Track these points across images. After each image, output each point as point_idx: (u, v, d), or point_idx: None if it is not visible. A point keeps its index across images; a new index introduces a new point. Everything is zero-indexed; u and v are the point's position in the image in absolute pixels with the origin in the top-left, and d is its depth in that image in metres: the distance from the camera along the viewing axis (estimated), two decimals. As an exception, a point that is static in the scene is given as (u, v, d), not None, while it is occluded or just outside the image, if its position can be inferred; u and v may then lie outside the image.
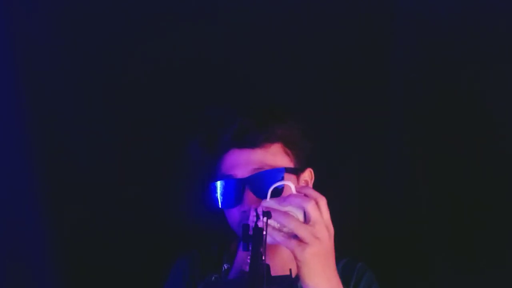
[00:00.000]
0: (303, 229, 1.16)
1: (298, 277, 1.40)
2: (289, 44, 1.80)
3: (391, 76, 1.81)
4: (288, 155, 1.42)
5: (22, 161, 1.77)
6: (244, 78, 1.80)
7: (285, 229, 1.19)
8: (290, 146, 1.42)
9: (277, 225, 1.19)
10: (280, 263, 1.39)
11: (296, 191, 1.23)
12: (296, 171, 1.42)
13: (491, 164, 1.77)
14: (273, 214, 1.18)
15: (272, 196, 1.23)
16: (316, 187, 1.36)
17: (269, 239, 1.20)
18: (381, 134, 1.82)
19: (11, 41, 1.75)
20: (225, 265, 1.47)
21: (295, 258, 1.18)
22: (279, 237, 1.18)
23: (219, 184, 1.40)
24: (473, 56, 1.76)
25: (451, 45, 1.78)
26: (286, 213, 1.18)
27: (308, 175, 1.47)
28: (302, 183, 1.44)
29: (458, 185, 1.78)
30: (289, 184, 1.25)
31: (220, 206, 1.41)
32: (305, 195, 1.21)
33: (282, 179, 1.36)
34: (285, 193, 1.28)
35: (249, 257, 1.12)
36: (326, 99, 1.81)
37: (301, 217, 1.19)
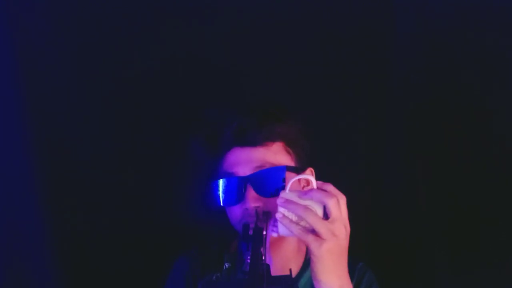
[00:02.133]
0: (322, 225, 1.16)
1: (298, 277, 1.41)
2: (289, 44, 1.80)
3: (391, 76, 1.81)
4: (289, 154, 1.42)
5: (22, 161, 1.77)
6: (245, 78, 1.80)
7: (302, 223, 1.19)
8: (291, 146, 1.43)
9: (294, 218, 1.19)
10: (280, 263, 1.39)
11: (317, 186, 1.23)
12: (297, 170, 1.41)
13: (491, 164, 1.77)
14: (292, 206, 1.18)
15: (271, 195, 1.23)
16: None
17: (285, 231, 1.21)
18: (381, 135, 1.83)
19: (11, 40, 1.75)
20: (226, 264, 1.47)
21: (310, 252, 1.18)
22: (296, 230, 1.19)
23: (221, 182, 1.40)
24: (473, 56, 1.76)
25: (451, 46, 1.78)
26: (305, 207, 1.18)
27: (309, 174, 1.47)
28: (302, 182, 1.44)
29: (458, 186, 1.78)
30: (311, 178, 1.25)
31: (221, 204, 1.41)
32: (326, 191, 1.21)
33: (301, 173, 1.37)
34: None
35: (249, 257, 1.12)
36: (327, 99, 1.81)
37: (319, 212, 1.19)
